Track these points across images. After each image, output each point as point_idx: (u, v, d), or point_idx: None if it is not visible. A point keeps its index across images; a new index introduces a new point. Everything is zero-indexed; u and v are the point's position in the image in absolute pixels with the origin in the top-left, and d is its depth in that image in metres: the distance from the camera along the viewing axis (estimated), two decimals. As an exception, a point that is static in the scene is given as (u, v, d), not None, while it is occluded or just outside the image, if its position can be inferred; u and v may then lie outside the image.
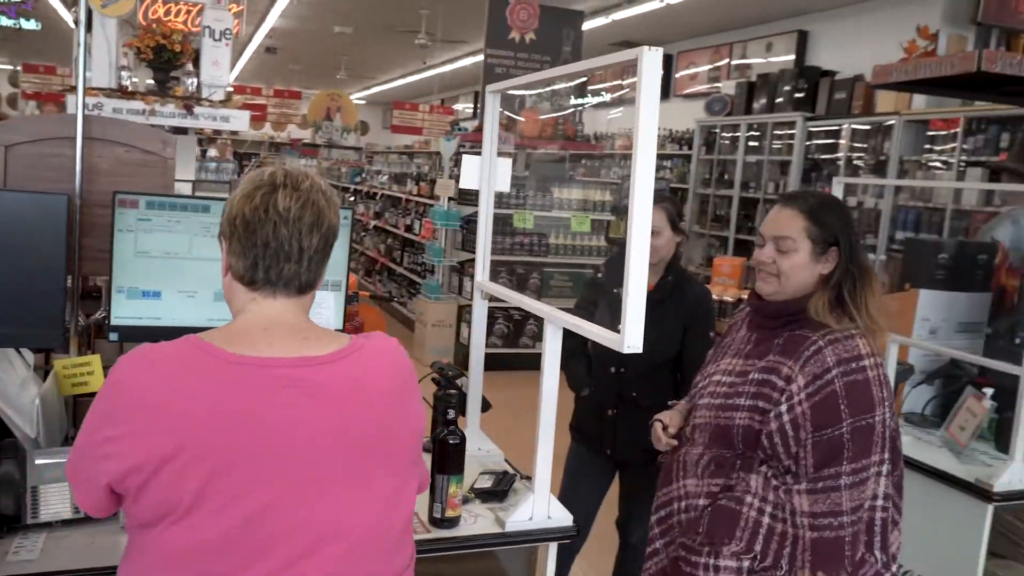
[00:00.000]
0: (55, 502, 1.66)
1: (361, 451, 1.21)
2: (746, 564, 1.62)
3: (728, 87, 9.10)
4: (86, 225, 2.14)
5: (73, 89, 4.08)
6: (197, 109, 4.49)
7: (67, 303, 2.02)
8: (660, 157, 9.29)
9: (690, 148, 9.17)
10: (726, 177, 8.73)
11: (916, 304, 2.80)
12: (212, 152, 6.70)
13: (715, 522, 1.66)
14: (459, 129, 8.79)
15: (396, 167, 11.35)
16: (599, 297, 2.59)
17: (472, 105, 16.93)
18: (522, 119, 7.20)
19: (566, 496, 2.52)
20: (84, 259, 2.15)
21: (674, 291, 2.56)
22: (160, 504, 1.10)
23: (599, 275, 2.72)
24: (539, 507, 1.86)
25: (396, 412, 1.27)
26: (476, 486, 2.00)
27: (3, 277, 1.87)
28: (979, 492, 2.31)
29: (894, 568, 1.61)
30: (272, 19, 10.98)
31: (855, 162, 7.13)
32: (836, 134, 7.38)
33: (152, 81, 4.73)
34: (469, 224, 7.27)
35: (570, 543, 2.21)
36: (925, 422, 2.80)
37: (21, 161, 2.11)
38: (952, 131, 6.24)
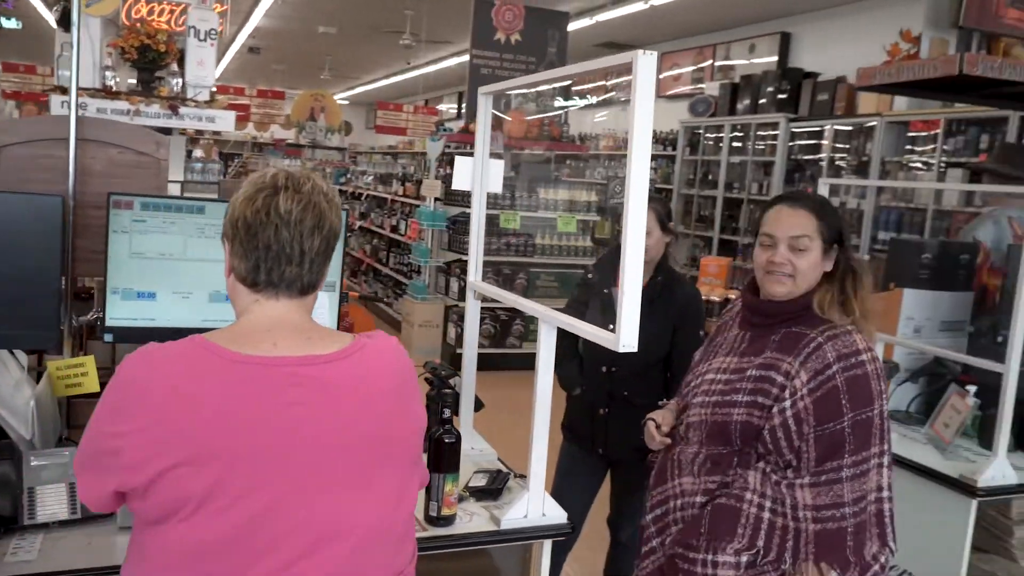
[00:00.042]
0: (52, 503, 1.66)
1: (364, 450, 1.22)
2: (744, 559, 1.65)
3: (712, 88, 9.17)
4: (79, 226, 2.14)
5: (56, 89, 4.06)
6: (182, 109, 4.47)
7: (60, 304, 2.02)
8: (645, 158, 9.30)
9: (674, 149, 9.23)
10: (710, 178, 8.80)
11: (900, 303, 2.85)
12: (198, 153, 6.66)
13: (716, 521, 1.68)
14: (444, 130, 8.80)
15: (381, 168, 11.34)
16: (590, 297, 2.62)
17: (456, 105, 16.93)
18: (508, 118, 7.22)
19: (558, 495, 2.52)
20: (77, 260, 2.15)
21: (664, 291, 2.59)
22: (168, 502, 1.11)
23: (590, 275, 2.75)
24: (534, 505, 1.88)
25: (397, 411, 1.28)
26: (471, 485, 2.01)
27: (-3, 278, 1.87)
28: (963, 488, 2.35)
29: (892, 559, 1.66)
30: (256, 19, 10.93)
31: (837, 163, 7.20)
32: (819, 135, 7.46)
33: (134, 81, 4.70)
34: (455, 225, 7.28)
35: (563, 541, 2.23)
36: (910, 419, 2.84)
37: (13, 163, 2.11)
38: (933, 132, 6.32)
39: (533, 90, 7.70)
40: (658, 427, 1.94)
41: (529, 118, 7.56)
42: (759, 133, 8.05)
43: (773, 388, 1.69)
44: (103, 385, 1.92)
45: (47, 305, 1.92)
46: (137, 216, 1.94)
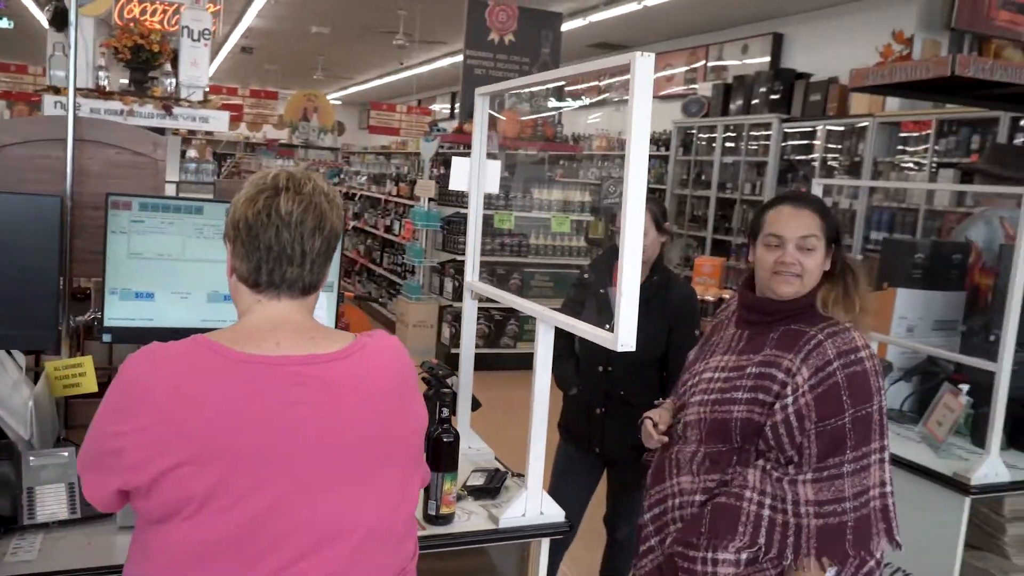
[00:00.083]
0: (51, 503, 1.66)
1: (365, 449, 1.23)
2: (744, 556, 1.66)
3: (704, 89, 9.20)
4: (76, 227, 2.14)
5: (49, 89, 4.05)
6: (176, 110, 4.46)
7: (59, 305, 2.02)
8: (638, 158, 9.32)
9: (667, 149, 9.25)
10: (703, 178, 8.82)
11: (894, 303, 2.87)
12: (192, 153, 6.65)
13: (716, 520, 1.69)
14: (438, 130, 8.80)
15: (374, 168, 11.33)
16: (586, 297, 2.63)
17: (449, 106, 16.93)
18: (503, 118, 7.23)
19: (554, 494, 2.52)
20: (75, 261, 2.15)
21: (660, 290, 2.60)
22: (171, 502, 1.12)
23: (586, 275, 2.76)
24: (532, 503, 1.89)
25: (398, 410, 1.29)
26: (469, 484, 2.02)
27: (-4, 279, 1.87)
28: (957, 485, 2.37)
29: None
30: (248, 19, 10.92)
31: (830, 163, 7.24)
32: (811, 135, 7.49)
33: (125, 81, 4.69)
34: (449, 225, 7.29)
35: (560, 540, 2.25)
36: (903, 418, 2.86)
37: (10, 163, 2.11)
38: (924, 133, 6.36)
39: (527, 90, 7.72)
40: (655, 425, 1.95)
41: (523, 118, 7.57)
42: (752, 133, 8.08)
43: (774, 385, 1.71)
44: (101, 385, 1.94)
45: (45, 305, 1.92)
46: (135, 216, 1.95)
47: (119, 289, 1.96)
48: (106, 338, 1.99)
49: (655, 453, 2.02)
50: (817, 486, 1.63)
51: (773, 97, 7.88)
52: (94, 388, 1.94)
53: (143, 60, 4.53)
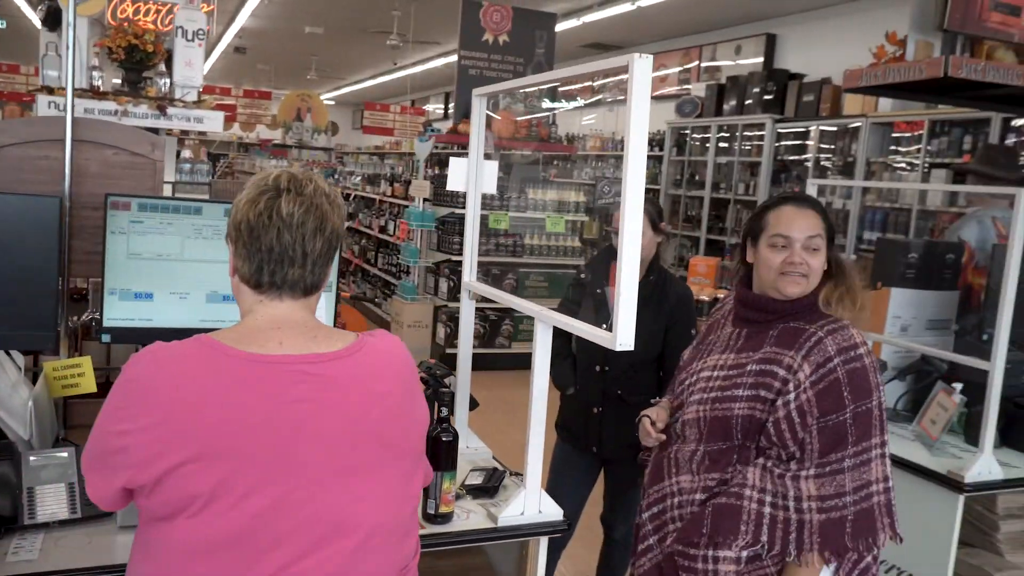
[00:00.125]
0: (51, 503, 1.67)
1: (368, 447, 1.24)
2: (745, 554, 1.68)
3: (698, 89, 9.23)
4: (74, 227, 2.14)
5: (42, 89, 4.04)
6: (170, 110, 4.45)
7: (58, 305, 2.02)
8: (632, 158, 9.35)
9: (661, 149, 9.28)
10: (697, 178, 8.85)
11: (888, 302, 2.89)
12: (186, 153, 6.63)
13: (718, 521, 1.70)
14: (432, 130, 8.81)
15: (368, 168, 11.33)
16: (583, 297, 2.64)
17: (443, 106, 16.93)
18: (498, 118, 7.24)
19: (552, 493, 2.54)
20: (72, 261, 2.16)
21: (656, 290, 2.62)
22: (175, 500, 1.12)
23: (583, 276, 2.77)
24: (530, 502, 1.90)
25: (401, 407, 1.30)
26: (467, 483, 2.03)
27: (-5, 279, 1.87)
28: (950, 483, 2.39)
29: None
30: (242, 19, 10.90)
31: (823, 163, 7.27)
32: (804, 136, 7.53)
33: (118, 81, 4.68)
34: (444, 225, 7.29)
35: (557, 539, 2.26)
36: (897, 417, 2.88)
37: (8, 163, 2.11)
38: (917, 133, 6.40)
39: (522, 91, 7.73)
40: (653, 423, 1.96)
41: (518, 119, 7.59)
42: (745, 134, 8.11)
43: (775, 382, 1.72)
44: (100, 385, 1.94)
45: (45, 306, 1.92)
46: (135, 217, 1.95)
47: (118, 289, 1.97)
48: (105, 338, 2.00)
49: (651, 452, 2.03)
50: (819, 481, 1.65)
51: (766, 97, 7.91)
52: (93, 388, 1.94)
53: (137, 60, 4.52)
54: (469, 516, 1.91)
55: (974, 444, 2.55)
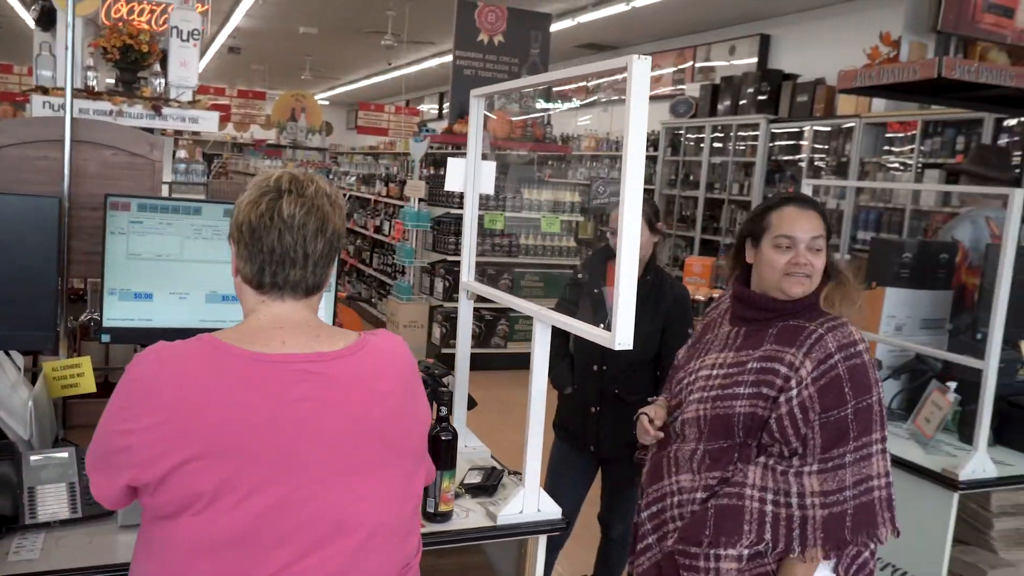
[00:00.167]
0: (52, 502, 1.67)
1: (370, 445, 1.25)
2: (746, 552, 1.69)
3: (692, 90, 9.25)
4: (73, 228, 2.14)
5: (37, 89, 4.03)
6: (165, 110, 4.45)
7: (57, 305, 2.03)
8: (626, 158, 9.37)
9: (655, 150, 9.30)
10: (691, 178, 8.87)
11: (882, 301, 2.91)
12: (181, 154, 6.62)
13: (720, 522, 1.71)
14: (427, 130, 8.80)
15: (362, 168, 11.33)
16: (580, 297, 2.65)
17: (437, 106, 16.94)
18: (493, 117, 7.25)
19: (550, 493, 2.56)
20: (71, 261, 2.16)
21: (653, 289, 2.63)
22: (179, 498, 1.13)
23: (580, 276, 2.78)
24: (529, 501, 1.91)
25: (403, 407, 1.31)
26: (466, 482, 2.04)
27: (-5, 279, 1.87)
28: (945, 481, 2.41)
29: None
30: (236, 19, 10.89)
31: (817, 163, 7.30)
32: (798, 136, 7.55)
33: (112, 81, 4.67)
34: (439, 225, 7.30)
35: (555, 538, 2.27)
36: (892, 415, 2.89)
37: (7, 164, 2.11)
38: (910, 133, 6.43)
39: (519, 91, 7.74)
40: (651, 421, 1.97)
41: (513, 119, 7.60)
42: (739, 134, 8.14)
43: (777, 379, 1.73)
44: (99, 385, 1.95)
45: (44, 306, 1.93)
46: (134, 217, 1.95)
47: (118, 289, 1.97)
48: (105, 338, 2.00)
49: (647, 450, 2.04)
50: (822, 477, 1.66)
51: (760, 98, 7.94)
52: (92, 388, 1.94)
53: (132, 60, 4.52)
54: (468, 515, 1.92)
55: (968, 442, 2.57)
